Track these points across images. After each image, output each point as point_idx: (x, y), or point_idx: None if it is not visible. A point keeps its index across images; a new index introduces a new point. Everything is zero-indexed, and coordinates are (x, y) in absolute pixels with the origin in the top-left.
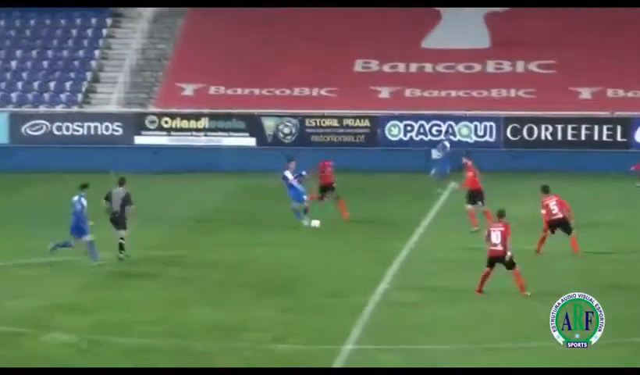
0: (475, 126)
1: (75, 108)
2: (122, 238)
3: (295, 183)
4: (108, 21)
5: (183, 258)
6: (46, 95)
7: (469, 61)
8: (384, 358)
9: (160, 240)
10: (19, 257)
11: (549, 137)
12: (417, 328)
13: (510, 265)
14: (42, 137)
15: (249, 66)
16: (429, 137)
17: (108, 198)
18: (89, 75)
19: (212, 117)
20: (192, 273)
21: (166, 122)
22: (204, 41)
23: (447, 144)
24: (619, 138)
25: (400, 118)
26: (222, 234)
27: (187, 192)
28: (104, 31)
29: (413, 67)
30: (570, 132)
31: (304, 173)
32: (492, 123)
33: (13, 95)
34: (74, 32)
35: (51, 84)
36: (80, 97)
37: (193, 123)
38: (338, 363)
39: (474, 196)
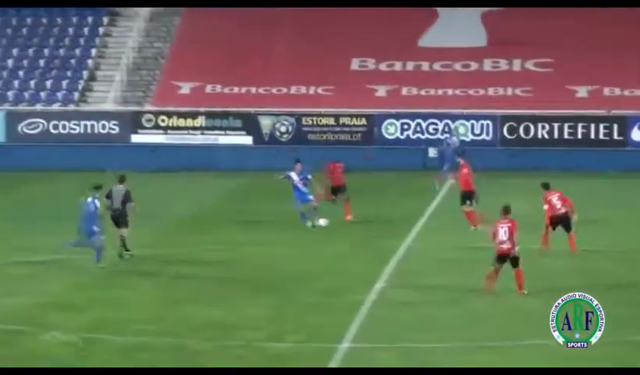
0: (472, 125)
1: (71, 107)
2: (122, 236)
3: (300, 185)
4: (105, 20)
5: (178, 257)
6: (43, 94)
7: (466, 59)
8: (380, 357)
9: (155, 238)
10: (15, 255)
11: (546, 136)
12: (414, 327)
13: (515, 262)
14: (39, 136)
15: (245, 64)
16: (426, 135)
17: (108, 196)
18: (86, 73)
19: (209, 116)
20: (187, 271)
21: (163, 120)
22: (200, 40)
23: (455, 139)
24: (615, 137)
25: (397, 116)
26: (217, 233)
27: (184, 191)
28: (101, 30)
29: (410, 66)
30: (566, 130)
31: (309, 176)
32: (489, 122)
33: (10, 94)
34: (71, 30)
35: (48, 83)
36: (76, 95)
37: (189, 122)
38: (333, 362)
39: (466, 196)
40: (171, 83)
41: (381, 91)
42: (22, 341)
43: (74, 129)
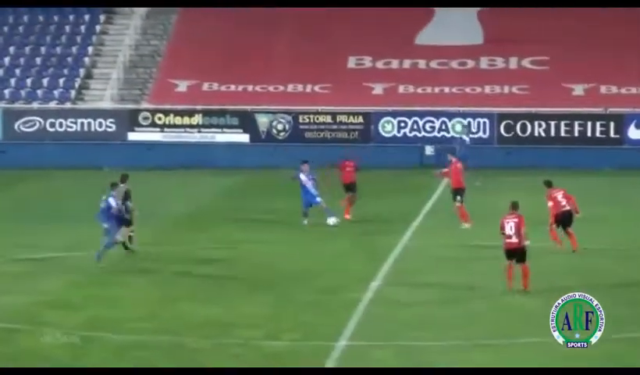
0: (469, 123)
1: (68, 105)
2: (132, 232)
3: (309, 185)
4: (102, 18)
5: (175, 255)
6: (39, 92)
7: (462, 57)
8: (377, 355)
9: (152, 236)
10: (11, 253)
11: (543, 134)
12: (411, 324)
13: (522, 257)
14: (35, 134)
15: (242, 62)
16: (423, 133)
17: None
18: (82, 71)
19: (206, 113)
20: (184, 269)
21: (160, 118)
22: (197, 38)
23: (466, 138)
24: (612, 134)
25: (394, 114)
26: (214, 231)
27: (181, 188)
28: (98, 28)
29: (406, 63)
30: (563, 128)
31: (316, 177)
32: (486, 120)
33: (6, 92)
34: (67, 28)
35: (45, 81)
36: (73, 93)
37: (186, 120)
38: (330, 360)
39: (456, 193)
40: (168, 81)
41: (378, 89)
42: (18, 340)
43: (71, 127)
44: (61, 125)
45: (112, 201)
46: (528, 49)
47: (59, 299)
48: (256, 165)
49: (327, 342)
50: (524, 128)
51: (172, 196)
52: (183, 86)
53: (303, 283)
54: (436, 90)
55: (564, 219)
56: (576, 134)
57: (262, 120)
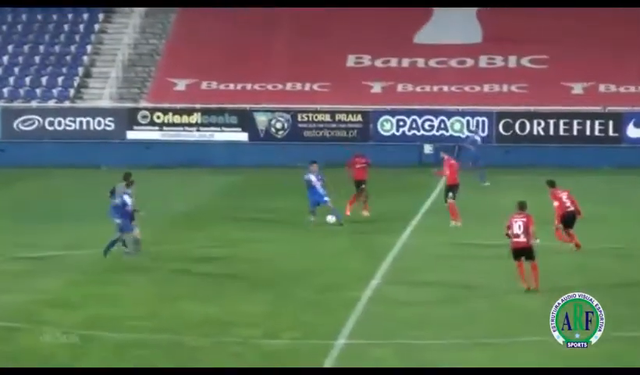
0: (467, 121)
1: (67, 104)
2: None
3: (318, 186)
4: (100, 16)
5: (174, 254)
6: (38, 90)
7: (461, 56)
8: (376, 353)
9: (151, 235)
10: (10, 252)
11: (541, 132)
12: (410, 323)
13: (531, 255)
14: (34, 133)
15: (241, 61)
16: (421, 132)
17: (113, 192)
18: (81, 70)
19: (204, 112)
20: (182, 268)
21: (158, 117)
22: (196, 37)
23: (477, 138)
24: (611, 133)
25: (393, 113)
26: (213, 230)
27: (179, 187)
28: (96, 26)
29: (405, 62)
30: (562, 127)
31: (324, 178)
32: (485, 118)
33: (5, 90)
34: (66, 27)
35: (43, 79)
36: (72, 92)
37: (185, 118)
38: (329, 358)
39: (449, 189)
40: (166, 79)
41: (376, 88)
42: (18, 338)
43: (70, 125)
44: (60, 124)
45: (128, 199)
46: (526, 48)
47: (59, 298)
48: (255, 163)
49: (326, 341)
50: (522, 127)
51: (171, 195)
52: (181, 85)
53: (302, 281)
54: (435, 88)
55: (568, 220)
56: (575, 133)
57: (261, 119)
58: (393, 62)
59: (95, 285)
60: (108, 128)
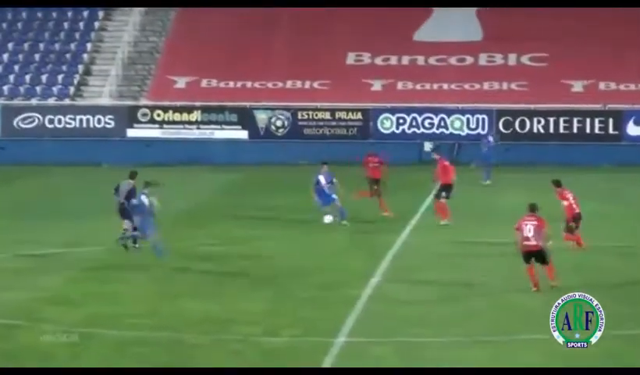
0: (467, 119)
1: (67, 101)
2: (125, 229)
3: (326, 188)
4: (100, 14)
5: (174, 251)
6: (38, 88)
7: (461, 54)
8: (376, 351)
9: None
10: (10, 249)
11: (541, 130)
12: (410, 321)
13: (543, 259)
14: (34, 130)
15: (241, 58)
16: (421, 130)
17: (117, 189)
18: (81, 68)
19: (204, 110)
20: (183, 265)
21: (158, 115)
22: (196, 34)
23: (491, 138)
24: (611, 131)
25: (392, 111)
26: (213, 227)
27: (179, 185)
28: (96, 24)
29: (405, 60)
30: (562, 125)
31: (335, 180)
32: (485, 116)
33: (5, 88)
34: (66, 25)
35: (43, 77)
36: (72, 90)
37: (185, 116)
38: (329, 356)
39: (443, 189)
40: (166, 77)
41: (376, 86)
42: (17, 335)
43: (70, 123)
44: (60, 121)
45: (145, 199)
46: (526, 46)
47: (59, 295)
48: (255, 161)
49: (326, 338)
50: (522, 124)
51: (171, 193)
52: (181, 82)
53: (302, 279)
54: (435, 86)
55: (575, 221)
56: (575, 131)
57: (261, 117)
58: (393, 60)
59: (95, 283)
60: (108, 126)
